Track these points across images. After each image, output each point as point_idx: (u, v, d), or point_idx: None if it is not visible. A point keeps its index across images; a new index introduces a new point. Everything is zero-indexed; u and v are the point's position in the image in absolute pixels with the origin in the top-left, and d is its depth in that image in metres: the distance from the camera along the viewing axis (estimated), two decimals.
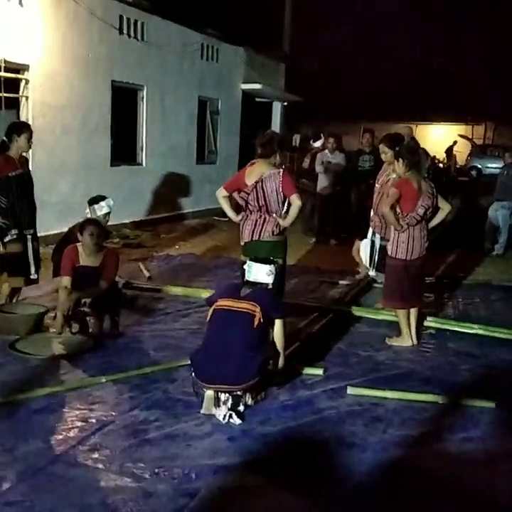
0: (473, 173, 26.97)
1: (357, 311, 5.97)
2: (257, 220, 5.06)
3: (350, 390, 4.17)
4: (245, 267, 4.31)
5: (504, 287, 7.43)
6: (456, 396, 4.17)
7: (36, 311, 5.20)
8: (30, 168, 5.68)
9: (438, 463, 3.37)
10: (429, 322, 5.72)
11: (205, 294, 5.97)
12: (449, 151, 27.85)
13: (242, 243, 5.21)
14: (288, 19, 17.19)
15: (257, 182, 4.96)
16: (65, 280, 4.98)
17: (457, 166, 27.27)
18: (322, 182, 9.81)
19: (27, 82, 8.53)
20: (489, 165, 25.66)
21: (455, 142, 28.60)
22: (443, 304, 6.55)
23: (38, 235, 5.58)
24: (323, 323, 5.62)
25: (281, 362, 4.16)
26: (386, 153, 5.99)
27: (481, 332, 5.52)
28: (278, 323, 4.08)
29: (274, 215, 5.01)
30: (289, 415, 3.83)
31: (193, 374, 3.86)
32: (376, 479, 3.17)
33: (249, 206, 5.05)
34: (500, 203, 9.71)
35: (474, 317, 6.05)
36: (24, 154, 5.48)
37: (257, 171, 5.02)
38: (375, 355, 4.98)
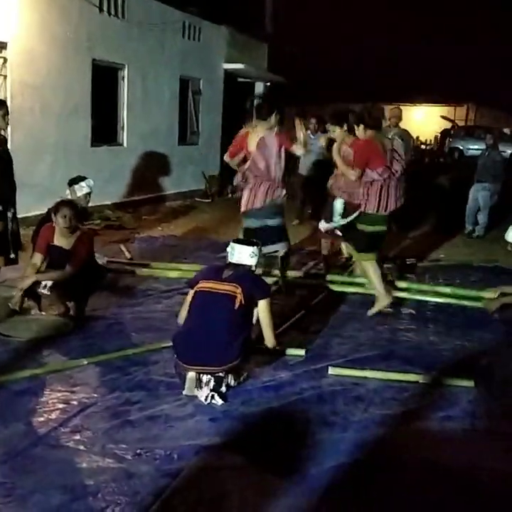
0: (456, 154, 27.08)
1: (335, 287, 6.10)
2: (397, 186, 5.38)
3: (331, 370, 4.20)
4: (228, 249, 4.28)
5: (484, 268, 7.50)
6: (436, 375, 4.22)
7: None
8: (9, 149, 5.59)
9: (418, 442, 3.42)
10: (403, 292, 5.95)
11: (174, 273, 6.30)
12: (445, 133, 27.88)
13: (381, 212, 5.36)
14: None
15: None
16: (36, 257, 4.96)
17: (434, 148, 27.36)
18: (304, 163, 9.79)
19: (5, 60, 8.38)
20: (471, 146, 25.75)
21: (453, 127, 28.56)
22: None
23: (18, 216, 5.51)
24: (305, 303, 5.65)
25: (270, 341, 4.16)
26: (335, 130, 5.93)
27: (451, 301, 5.80)
28: (262, 304, 4.07)
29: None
30: (270, 395, 3.85)
31: (175, 355, 3.86)
32: (357, 458, 3.20)
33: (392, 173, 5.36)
34: (481, 184, 9.76)
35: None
36: (2, 133, 5.38)
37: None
38: (356, 335, 5.01)
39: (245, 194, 5.59)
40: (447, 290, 6.10)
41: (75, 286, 4.94)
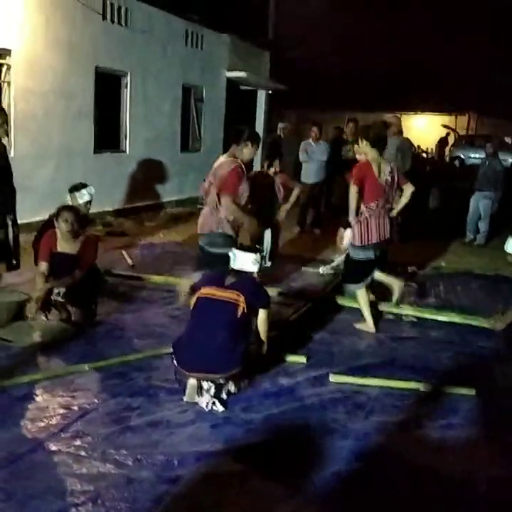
0: (456, 163, 27.10)
1: (341, 300, 6.00)
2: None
3: (332, 378, 4.20)
4: (230, 255, 4.29)
5: (485, 276, 7.51)
6: (437, 383, 4.21)
7: (18, 299, 5.13)
8: (12, 154, 5.61)
9: (418, 449, 3.41)
10: (409, 310, 5.77)
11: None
12: (442, 141, 27.83)
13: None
14: (272, 6, 17.07)
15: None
16: (42, 265, 4.97)
17: (436, 157, 27.29)
18: (306, 171, 9.81)
19: (9, 67, 8.41)
20: (472, 155, 25.76)
21: (448, 134, 28.54)
22: (425, 293, 6.60)
23: (20, 222, 5.52)
24: (305, 311, 5.63)
25: (264, 349, 4.20)
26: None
27: (457, 320, 5.56)
28: (262, 313, 4.11)
29: None
30: (271, 402, 3.85)
31: (176, 362, 3.86)
32: (357, 466, 3.20)
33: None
34: (482, 193, 9.77)
35: (456, 305, 6.11)
36: (3, 141, 5.39)
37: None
38: (357, 343, 5.01)
39: (368, 226, 5.23)
40: (456, 319, 5.59)
41: (82, 291, 4.98)
